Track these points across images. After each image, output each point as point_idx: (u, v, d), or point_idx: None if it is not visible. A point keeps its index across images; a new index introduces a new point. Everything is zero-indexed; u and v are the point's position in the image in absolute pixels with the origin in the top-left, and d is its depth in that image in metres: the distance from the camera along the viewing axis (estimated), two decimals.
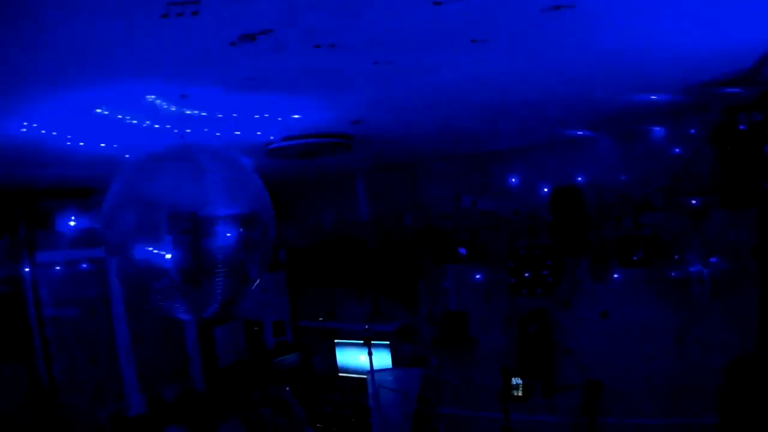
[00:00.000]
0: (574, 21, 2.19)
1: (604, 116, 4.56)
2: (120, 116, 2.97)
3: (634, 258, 5.03)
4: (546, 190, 5.30)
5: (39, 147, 3.44)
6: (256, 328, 7.18)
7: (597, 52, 2.70)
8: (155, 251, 2.47)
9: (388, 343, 6.77)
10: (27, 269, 5.38)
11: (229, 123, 3.42)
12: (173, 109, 2.89)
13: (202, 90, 2.75)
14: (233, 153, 2.97)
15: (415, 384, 6.04)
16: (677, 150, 5.07)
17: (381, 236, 6.71)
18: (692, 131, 4.89)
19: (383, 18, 2.02)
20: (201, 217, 2.48)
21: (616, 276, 5.44)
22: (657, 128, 5.08)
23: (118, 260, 2.58)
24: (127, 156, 3.70)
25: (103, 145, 3.55)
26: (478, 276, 6.22)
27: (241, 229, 2.61)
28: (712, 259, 4.64)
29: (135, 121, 3.05)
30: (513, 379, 5.37)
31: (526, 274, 5.55)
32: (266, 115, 3.39)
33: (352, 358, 7.16)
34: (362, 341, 6.50)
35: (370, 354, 5.90)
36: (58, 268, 5.65)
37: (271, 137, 4.04)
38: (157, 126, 3.09)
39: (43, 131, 3.09)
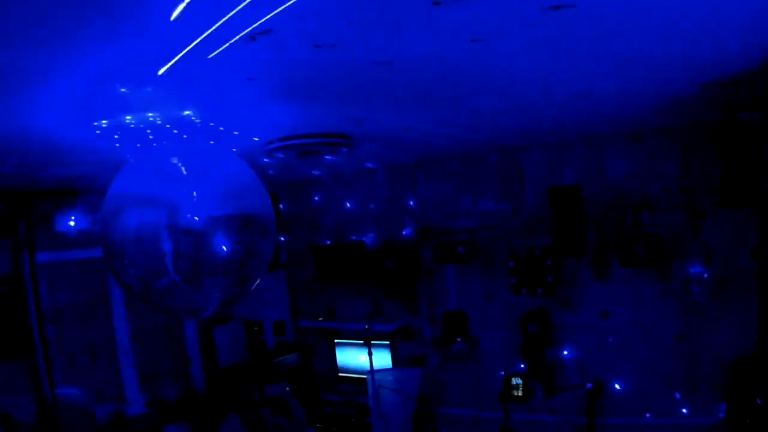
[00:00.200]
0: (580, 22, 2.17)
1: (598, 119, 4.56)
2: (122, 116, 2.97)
3: (635, 258, 5.02)
4: (546, 189, 5.30)
5: (41, 144, 3.43)
6: (256, 328, 7.19)
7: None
8: (155, 251, 2.47)
9: (388, 343, 6.78)
10: (27, 269, 5.38)
11: (229, 123, 3.41)
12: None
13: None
14: (233, 153, 2.97)
15: (415, 384, 6.05)
16: (677, 150, 5.08)
17: (381, 236, 6.71)
18: (692, 131, 4.90)
19: None
20: (201, 217, 2.48)
21: (616, 276, 5.44)
22: (657, 128, 5.08)
23: (118, 260, 2.58)
24: (127, 156, 3.69)
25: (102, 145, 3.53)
26: (478, 276, 6.23)
27: (241, 230, 2.61)
28: (712, 259, 4.63)
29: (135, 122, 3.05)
30: (513, 379, 5.37)
31: (527, 274, 5.55)
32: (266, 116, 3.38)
33: (352, 358, 7.16)
34: (362, 341, 6.50)
35: (370, 354, 5.90)
36: (58, 268, 5.66)
37: (271, 137, 4.04)
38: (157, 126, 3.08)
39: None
